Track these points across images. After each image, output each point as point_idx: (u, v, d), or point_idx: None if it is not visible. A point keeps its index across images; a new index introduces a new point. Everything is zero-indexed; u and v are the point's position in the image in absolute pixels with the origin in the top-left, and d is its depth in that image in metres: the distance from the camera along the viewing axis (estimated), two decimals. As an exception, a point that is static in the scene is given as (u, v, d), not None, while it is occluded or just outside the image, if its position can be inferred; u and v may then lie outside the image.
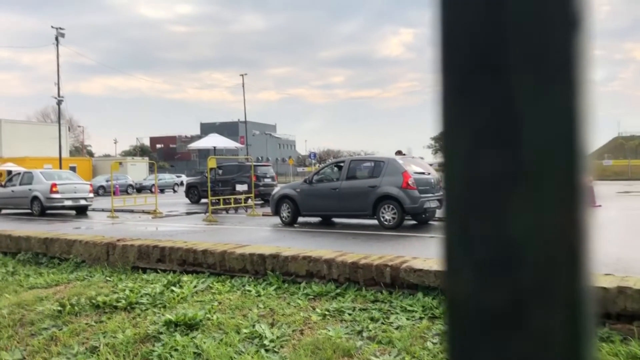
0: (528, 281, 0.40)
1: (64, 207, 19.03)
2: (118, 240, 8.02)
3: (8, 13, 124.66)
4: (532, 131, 0.40)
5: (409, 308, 5.01)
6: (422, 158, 20.06)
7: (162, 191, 38.29)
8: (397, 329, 4.54)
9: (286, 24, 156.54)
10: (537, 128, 0.40)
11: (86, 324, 5.12)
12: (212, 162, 17.34)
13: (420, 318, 4.76)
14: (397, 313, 4.92)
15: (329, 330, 4.54)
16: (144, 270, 7.26)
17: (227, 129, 75.44)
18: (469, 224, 0.42)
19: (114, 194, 20.88)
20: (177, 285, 6.25)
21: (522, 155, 0.40)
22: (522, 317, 0.40)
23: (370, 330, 4.53)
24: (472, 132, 0.41)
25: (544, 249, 0.40)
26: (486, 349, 0.41)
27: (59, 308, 5.48)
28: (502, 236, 0.41)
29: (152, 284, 6.36)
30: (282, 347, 4.33)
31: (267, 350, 4.25)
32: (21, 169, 25.31)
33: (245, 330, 4.62)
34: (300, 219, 13.58)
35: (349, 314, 4.96)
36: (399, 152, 15.09)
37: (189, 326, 4.78)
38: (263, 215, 16.04)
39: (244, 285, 6.14)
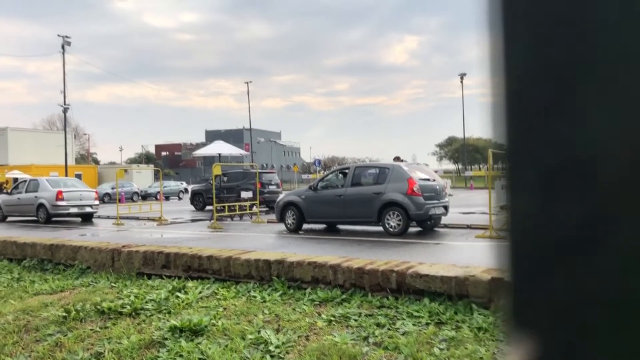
0: (607, 195, 0.33)
1: (69, 215, 19.06)
2: (123, 246, 8.02)
3: (15, 22, 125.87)
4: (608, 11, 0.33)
5: (415, 314, 4.97)
6: (426, 165, 20.03)
7: (167, 198, 38.38)
8: (403, 334, 4.50)
9: (292, 32, 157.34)
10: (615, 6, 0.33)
11: (91, 329, 5.10)
12: (217, 169, 17.36)
13: (427, 324, 4.72)
14: (403, 319, 4.89)
15: (335, 336, 4.51)
16: (149, 276, 7.25)
17: (232, 136, 75.71)
18: (535, 126, 0.35)
19: (120, 201, 20.91)
20: (182, 291, 6.23)
21: (596, 40, 0.33)
22: (599, 238, 0.33)
23: (376, 336, 4.50)
24: (538, 15, 0.35)
25: (627, 155, 0.33)
26: (556, 279, 0.35)
27: (64, 314, 5.48)
28: (575, 139, 0.33)
29: (157, 289, 6.34)
30: (287, 353, 4.30)
31: (272, 356, 4.22)
32: (27, 177, 25.42)
33: (250, 336, 4.60)
34: (305, 226, 13.55)
35: (355, 320, 4.93)
36: (397, 158, 15.07)
37: (194, 332, 4.76)
38: (268, 222, 16.02)
39: (249, 291, 6.12)
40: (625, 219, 0.33)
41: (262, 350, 4.34)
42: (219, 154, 24.62)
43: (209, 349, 4.36)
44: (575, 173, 0.34)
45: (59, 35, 38.77)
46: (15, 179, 29.95)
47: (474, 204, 19.98)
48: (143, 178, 49.24)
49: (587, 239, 0.34)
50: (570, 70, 0.34)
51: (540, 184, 0.35)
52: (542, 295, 0.35)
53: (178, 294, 6.07)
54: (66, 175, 34.14)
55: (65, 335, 4.97)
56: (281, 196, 15.68)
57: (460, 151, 64.90)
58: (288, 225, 13.49)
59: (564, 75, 0.34)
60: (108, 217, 20.28)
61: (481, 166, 70.74)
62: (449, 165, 77.14)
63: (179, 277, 6.98)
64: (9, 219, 20.61)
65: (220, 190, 19.74)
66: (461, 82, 51.23)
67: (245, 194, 19.63)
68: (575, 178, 0.34)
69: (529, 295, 0.36)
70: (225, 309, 5.50)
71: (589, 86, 0.34)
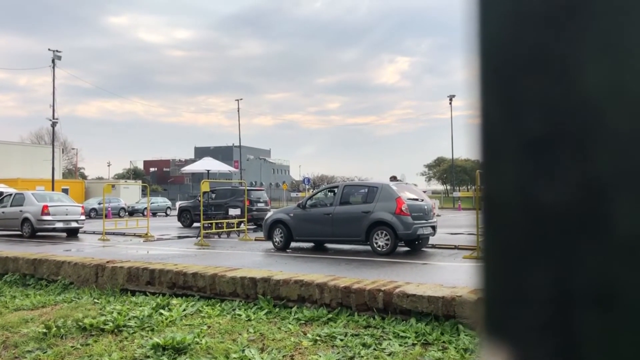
0: (607, 165, 0.26)
1: (54, 229, 18.82)
2: (107, 261, 7.91)
3: (6, 34, 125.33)
4: None
5: (401, 334, 4.93)
6: (415, 185, 20.11)
7: (154, 214, 38.08)
8: (389, 355, 4.46)
9: (285, 51, 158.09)
10: None
11: (72, 347, 5.00)
12: (205, 186, 17.28)
13: (413, 344, 4.69)
14: (389, 339, 4.84)
15: (320, 356, 4.45)
16: (133, 293, 7.14)
17: (222, 153, 75.57)
18: (515, 81, 0.27)
19: (106, 216, 20.72)
20: (166, 308, 6.14)
21: (576, 77, 0.26)
22: (597, 217, 0.27)
23: (362, 357, 4.45)
24: None
25: (633, 111, 0.26)
26: (543, 268, 0.28)
27: (45, 330, 5.36)
28: (566, 96, 0.26)
29: (140, 306, 6.25)
30: (271, 372, 4.24)
31: (256, 376, 4.15)
32: (13, 190, 25.11)
33: (234, 355, 4.52)
34: (293, 244, 13.48)
35: (341, 340, 4.87)
36: (393, 178, 15.10)
37: (177, 350, 4.68)
38: (255, 240, 15.92)
39: (234, 309, 6.05)
40: (628, 196, 0.27)
41: (245, 370, 4.27)
42: (208, 171, 24.57)
43: (192, 367, 4.28)
44: (564, 141, 0.28)
45: (49, 50, 38.53)
46: (1, 193, 29.57)
47: (461, 225, 20.03)
48: (130, 194, 48.92)
49: (578, 222, 0.27)
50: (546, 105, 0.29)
51: (521, 154, 0.29)
52: (521, 298, 0.30)
53: (162, 311, 5.98)
54: (53, 190, 33.78)
55: (45, 352, 4.86)
56: (269, 214, 15.62)
57: (448, 172, 65.29)
58: (276, 244, 13.42)
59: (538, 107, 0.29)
60: (94, 233, 20.05)
61: (469, 187, 71.12)
62: (437, 186, 77.54)
63: (164, 294, 6.88)
64: (-7, 233, 20.30)
65: (208, 207, 19.63)
66: (450, 103, 51.68)
67: (233, 211, 19.54)
68: (563, 147, 0.28)
69: (505, 299, 0.31)
70: (209, 327, 5.43)
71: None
